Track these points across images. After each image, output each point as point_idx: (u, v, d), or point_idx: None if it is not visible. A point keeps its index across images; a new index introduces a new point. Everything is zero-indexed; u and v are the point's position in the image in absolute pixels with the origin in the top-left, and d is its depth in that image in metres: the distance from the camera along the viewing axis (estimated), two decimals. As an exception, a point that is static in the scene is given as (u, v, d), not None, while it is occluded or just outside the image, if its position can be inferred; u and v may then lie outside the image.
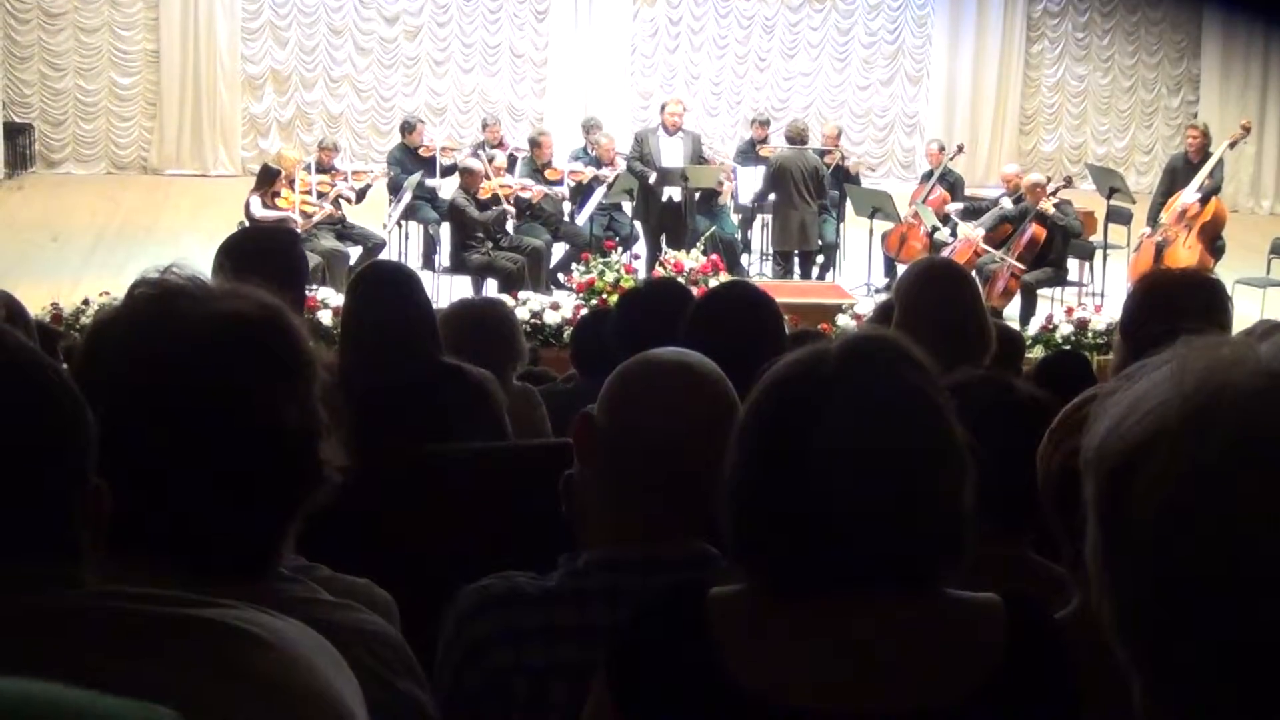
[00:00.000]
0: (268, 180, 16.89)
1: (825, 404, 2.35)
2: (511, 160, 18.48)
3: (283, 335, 2.36)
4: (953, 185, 19.12)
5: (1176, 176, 17.59)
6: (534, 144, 18.82)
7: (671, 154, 17.91)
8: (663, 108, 18.84)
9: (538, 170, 18.28)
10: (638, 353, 3.12)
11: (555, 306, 15.21)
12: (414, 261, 17.05)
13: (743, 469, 2.43)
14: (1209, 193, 17.13)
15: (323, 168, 17.76)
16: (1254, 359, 1.44)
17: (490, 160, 17.75)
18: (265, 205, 16.61)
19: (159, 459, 2.19)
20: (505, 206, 17.02)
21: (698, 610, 2.41)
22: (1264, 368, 1.43)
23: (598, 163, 18.59)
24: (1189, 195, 17.04)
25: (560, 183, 18.21)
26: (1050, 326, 15.40)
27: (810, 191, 17.79)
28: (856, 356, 2.43)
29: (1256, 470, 1.37)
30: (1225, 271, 14.94)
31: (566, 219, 18.14)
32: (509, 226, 17.17)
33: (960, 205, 18.61)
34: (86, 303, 14.37)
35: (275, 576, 2.39)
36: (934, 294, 5.34)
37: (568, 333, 13.15)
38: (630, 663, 2.45)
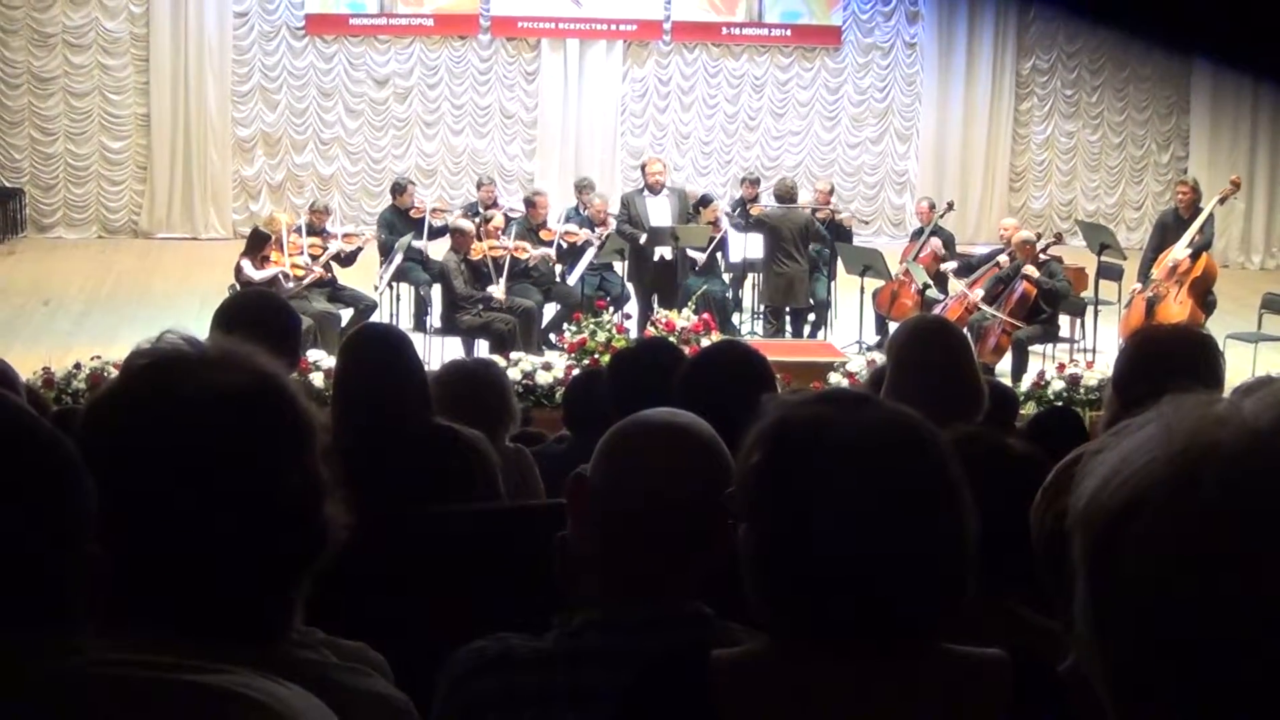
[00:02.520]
0: (258, 245, 16.90)
1: (824, 455, 2.36)
2: (507, 221, 18.46)
3: (279, 403, 2.35)
4: (944, 243, 19.13)
5: (1167, 232, 17.58)
6: (529, 204, 18.82)
7: (659, 213, 17.91)
8: (643, 168, 18.82)
9: (532, 230, 18.27)
10: (630, 413, 3.12)
11: (547, 367, 15.19)
12: (405, 323, 17.03)
13: (748, 522, 2.44)
14: (1200, 248, 17.13)
15: (314, 230, 17.77)
16: (1239, 417, 1.44)
17: (487, 221, 17.76)
18: (256, 267, 16.63)
19: (159, 535, 2.19)
20: (493, 292, 16.96)
21: (700, 673, 2.41)
22: (1250, 425, 1.43)
23: (589, 223, 18.62)
24: (1180, 251, 17.03)
25: (552, 243, 18.18)
26: (1042, 383, 15.37)
27: (801, 249, 17.82)
28: (856, 409, 2.44)
29: (1245, 528, 1.37)
30: (1216, 327, 15.00)
31: (558, 279, 18.15)
32: (500, 290, 17.16)
33: (954, 264, 18.64)
34: (78, 367, 14.35)
35: (287, 640, 2.39)
36: (926, 351, 5.34)
37: (559, 393, 13.14)
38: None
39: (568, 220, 18.81)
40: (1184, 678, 1.40)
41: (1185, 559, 1.39)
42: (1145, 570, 1.41)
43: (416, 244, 18.38)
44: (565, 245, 18.32)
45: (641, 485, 2.94)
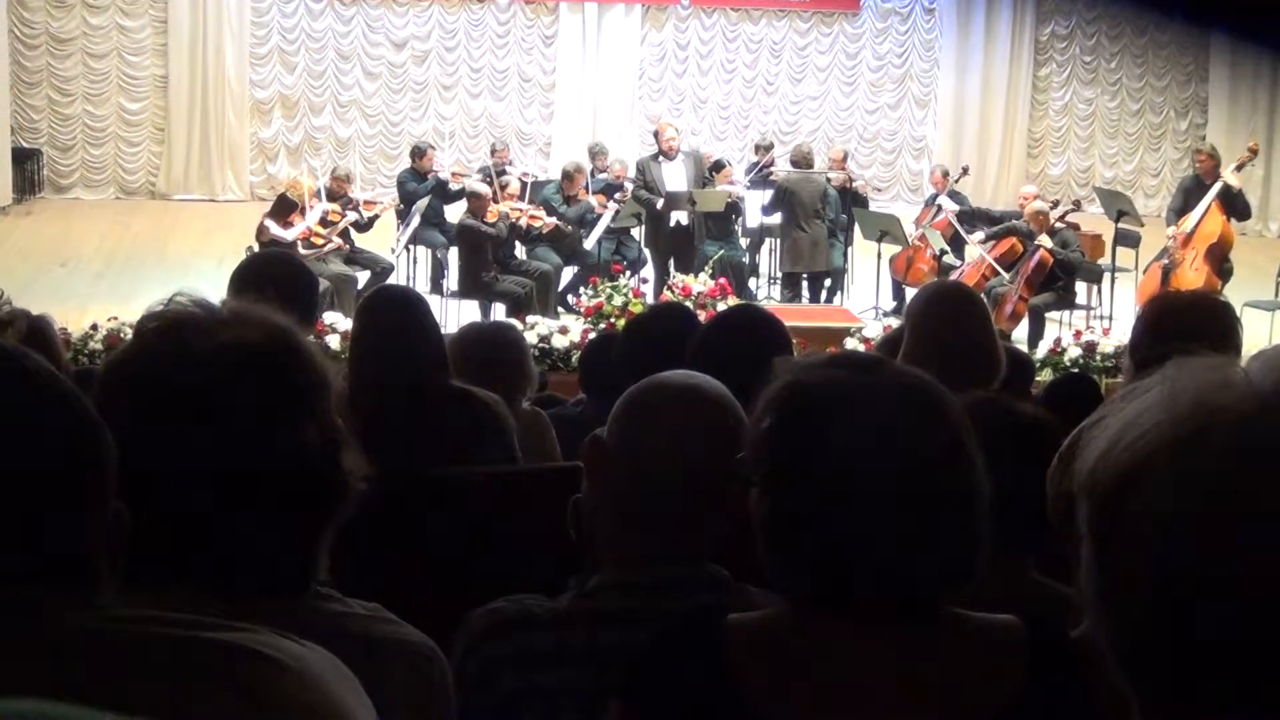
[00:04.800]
0: (284, 210, 16.97)
1: (835, 419, 2.36)
2: (523, 186, 18.44)
3: (292, 358, 2.35)
4: (956, 204, 19.17)
5: (1189, 196, 17.52)
6: (566, 176, 18.68)
7: (674, 178, 17.81)
8: (656, 134, 18.72)
9: (566, 201, 18.24)
10: (645, 377, 3.12)
11: (563, 331, 15.21)
12: (422, 286, 17.04)
13: (759, 486, 2.43)
14: (1236, 215, 17.22)
15: (334, 196, 17.78)
16: (1244, 381, 1.44)
17: (504, 187, 17.75)
18: (280, 227, 16.73)
19: (177, 493, 2.19)
20: (512, 220, 17.01)
21: (715, 636, 2.40)
22: (1256, 389, 1.43)
23: (612, 187, 18.63)
24: (1198, 216, 17.02)
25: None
26: (1058, 350, 15.38)
27: (819, 213, 17.82)
28: (867, 373, 2.43)
29: (1251, 493, 1.36)
30: (1233, 294, 14.94)
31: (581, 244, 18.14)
32: (519, 251, 17.19)
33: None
34: (95, 328, 14.37)
35: (312, 593, 2.39)
36: (944, 316, 5.33)
37: (576, 357, 13.15)
38: (648, 689, 2.45)
39: (587, 188, 18.78)
40: (1186, 643, 1.40)
41: (1189, 524, 1.38)
42: (1150, 534, 1.41)
43: (441, 176, 18.38)
44: (593, 216, 18.31)
45: (659, 447, 2.95)
